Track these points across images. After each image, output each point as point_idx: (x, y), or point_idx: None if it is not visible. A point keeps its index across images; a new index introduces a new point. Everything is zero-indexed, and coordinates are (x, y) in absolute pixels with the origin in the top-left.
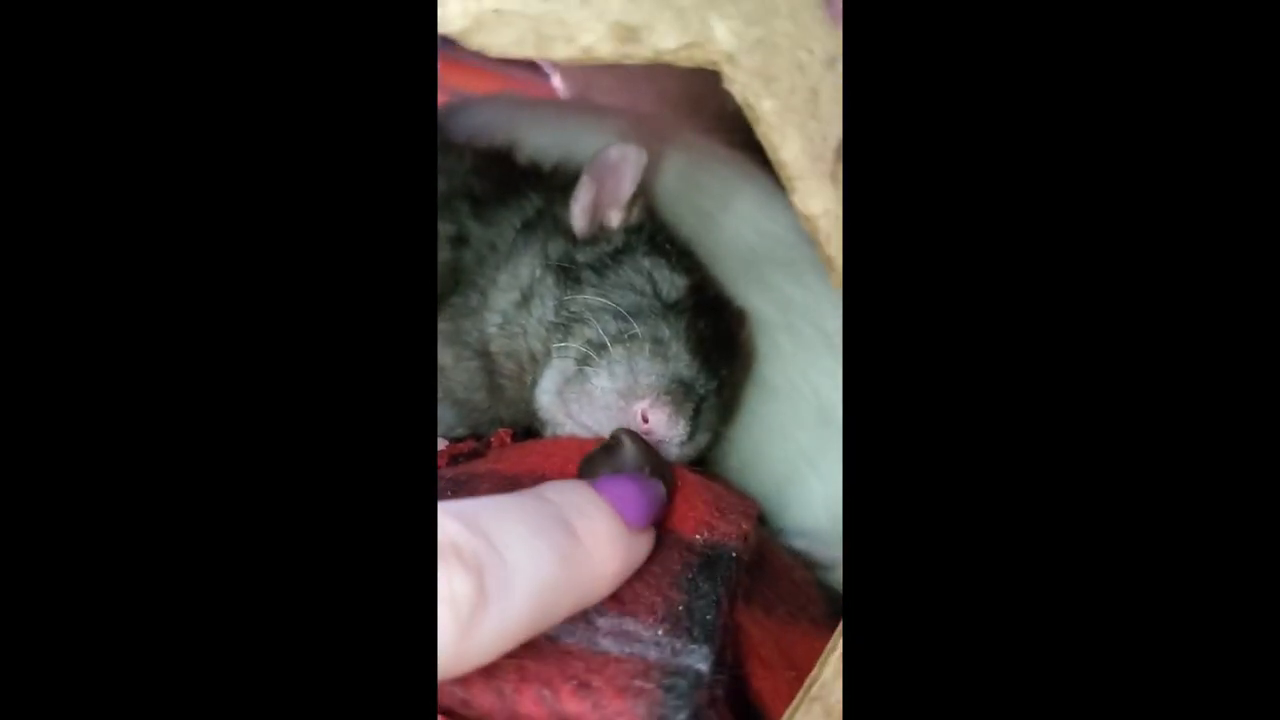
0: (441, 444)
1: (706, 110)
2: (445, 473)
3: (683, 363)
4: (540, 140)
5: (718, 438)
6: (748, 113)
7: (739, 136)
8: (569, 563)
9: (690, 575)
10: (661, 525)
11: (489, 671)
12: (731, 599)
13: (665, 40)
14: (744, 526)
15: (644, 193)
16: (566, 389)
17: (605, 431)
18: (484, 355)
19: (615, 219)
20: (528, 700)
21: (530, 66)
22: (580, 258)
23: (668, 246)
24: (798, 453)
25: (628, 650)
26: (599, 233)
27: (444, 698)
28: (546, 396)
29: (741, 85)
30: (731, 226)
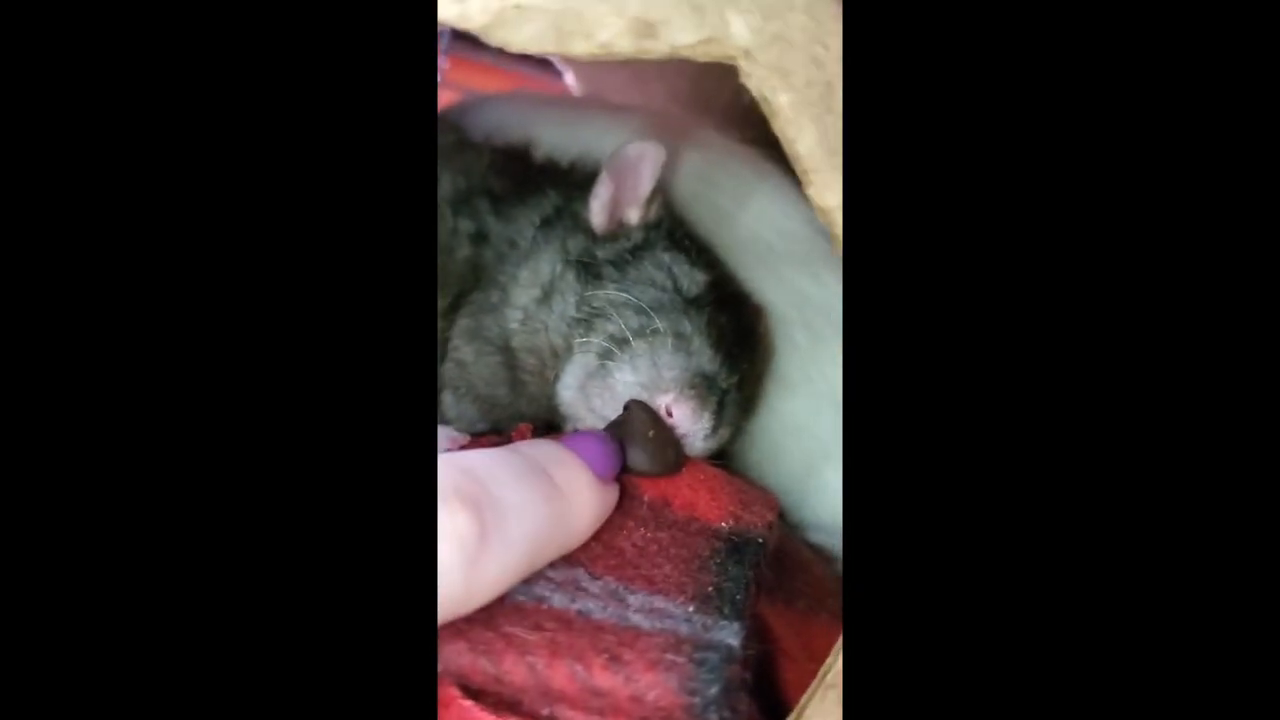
0: (463, 439)
1: (717, 107)
2: None
3: (705, 357)
4: (556, 138)
5: (738, 432)
6: (764, 107)
7: (751, 133)
8: (553, 505)
9: (719, 559)
10: (686, 513)
11: (519, 646)
12: (758, 585)
13: (683, 35)
14: (768, 516)
15: (662, 189)
16: (589, 383)
17: None
18: (505, 351)
19: (634, 216)
20: (559, 674)
21: (543, 64)
22: (600, 254)
23: (686, 242)
24: (815, 448)
25: (659, 625)
26: (618, 229)
27: (475, 675)
28: (569, 391)
29: (758, 80)
30: (747, 223)
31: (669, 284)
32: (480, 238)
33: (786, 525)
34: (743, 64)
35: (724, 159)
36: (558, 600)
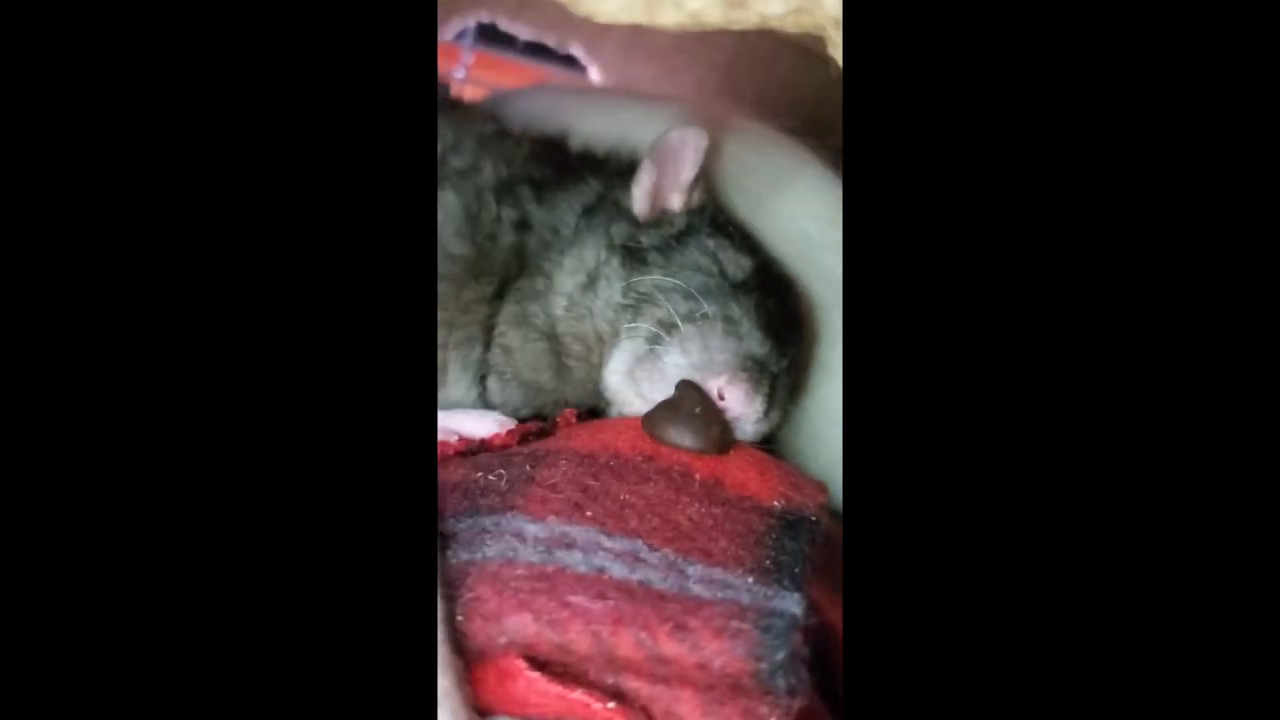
0: (510, 423)
1: (749, 97)
2: (518, 450)
3: (755, 341)
4: (592, 128)
5: (787, 417)
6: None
7: (786, 122)
8: None
9: (774, 535)
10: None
11: (584, 615)
12: (812, 562)
13: (773, 6)
14: (819, 498)
15: (705, 175)
16: (638, 368)
17: None
18: (551, 337)
19: (677, 202)
20: (625, 642)
21: (568, 60)
22: (645, 240)
23: (731, 228)
24: None
25: (720, 595)
26: (661, 216)
27: (540, 645)
28: (616, 377)
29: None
30: (784, 210)
31: (715, 269)
32: (523, 225)
33: (830, 513)
34: (831, 34)
35: (760, 146)
36: (618, 570)
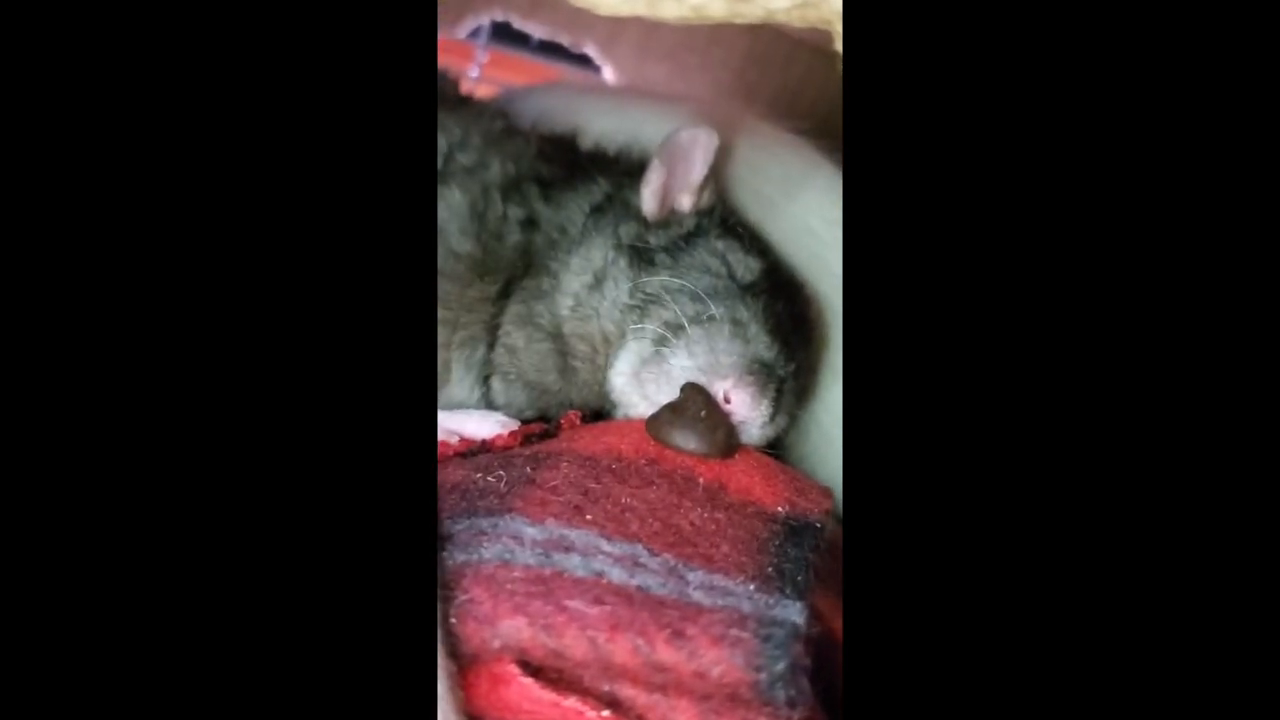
0: (513, 425)
1: (763, 98)
2: (519, 452)
3: (762, 344)
4: (602, 127)
5: (794, 421)
6: None
7: (799, 123)
8: None
9: (777, 542)
10: (741, 496)
11: (580, 620)
12: (816, 570)
13: (777, 0)
14: (824, 504)
15: (715, 176)
16: (643, 370)
17: None
18: (556, 337)
19: (687, 202)
20: (621, 649)
21: (581, 59)
22: (653, 240)
23: (740, 229)
24: None
25: (721, 602)
26: (670, 216)
27: (535, 650)
28: (621, 378)
29: None
30: (795, 213)
31: (723, 270)
32: (530, 224)
33: (837, 519)
34: (837, 28)
35: (772, 148)
36: (616, 575)
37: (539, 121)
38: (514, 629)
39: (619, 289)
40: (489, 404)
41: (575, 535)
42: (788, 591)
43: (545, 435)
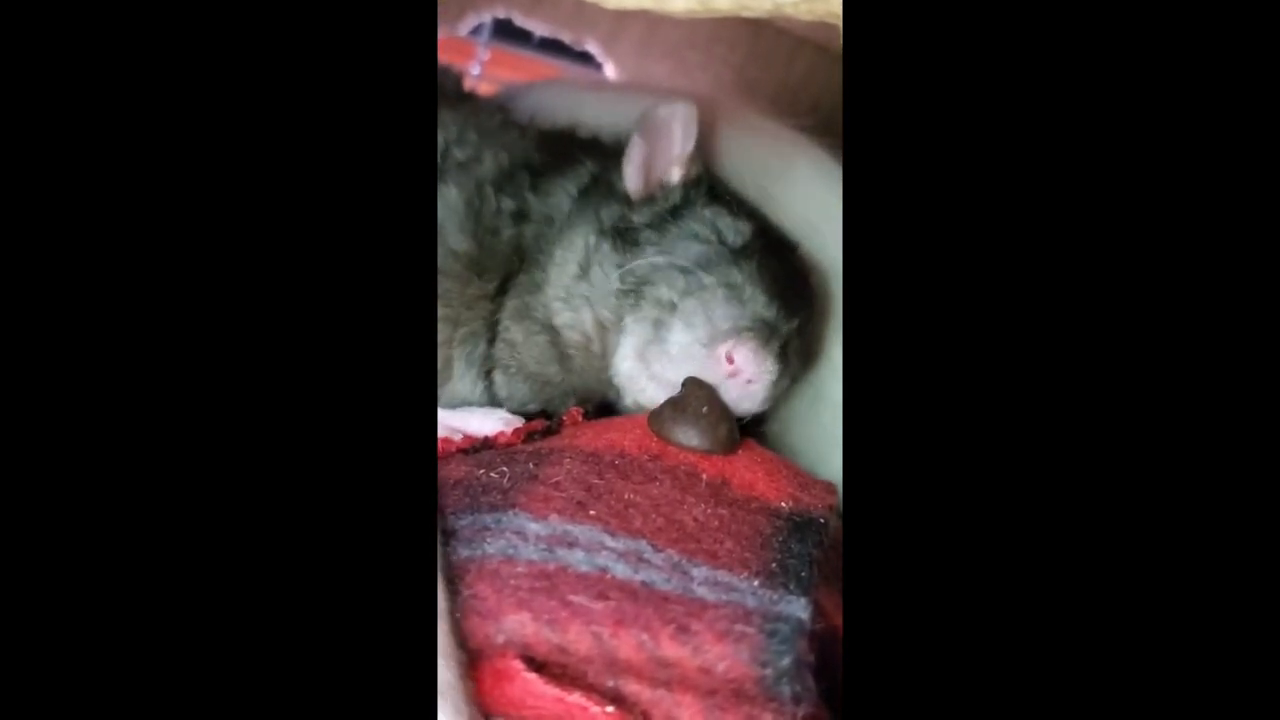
0: (516, 422)
1: (764, 94)
2: (522, 449)
3: (760, 304)
4: (602, 120)
5: (803, 385)
6: None
7: (800, 119)
8: None
9: (781, 538)
10: (745, 492)
11: (584, 615)
12: (820, 565)
13: None
14: (828, 499)
15: (700, 149)
16: (647, 350)
17: None
18: (550, 330)
19: (673, 175)
20: (626, 644)
21: (583, 56)
22: (638, 219)
23: (727, 195)
24: None
25: (725, 598)
26: (656, 192)
27: (539, 646)
28: (627, 362)
29: None
30: (794, 206)
31: (713, 237)
32: (521, 216)
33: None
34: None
35: (770, 142)
36: (620, 571)
37: (539, 115)
38: (518, 624)
39: (607, 276)
40: (492, 399)
41: (579, 531)
42: (792, 587)
43: (548, 432)
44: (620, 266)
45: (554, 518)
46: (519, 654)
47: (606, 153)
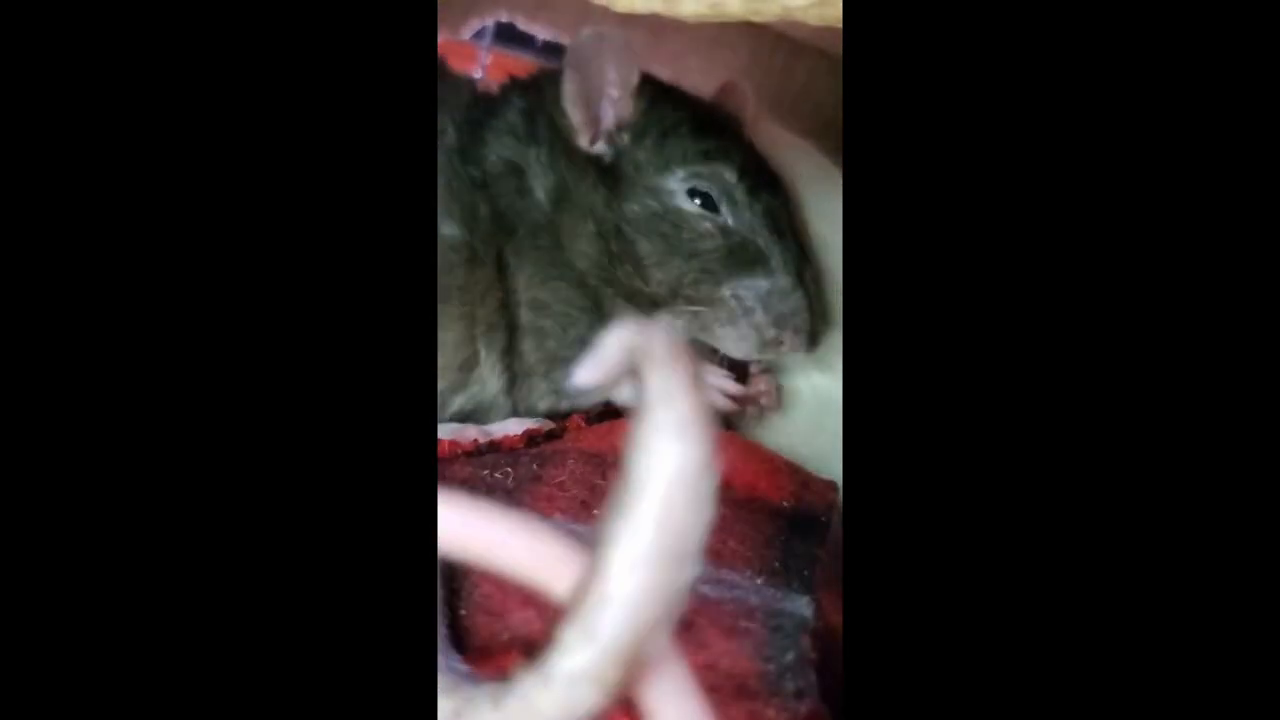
0: (521, 426)
1: (763, 101)
2: (525, 451)
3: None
4: None
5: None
6: None
7: (802, 124)
8: None
9: (783, 537)
10: (747, 493)
11: None
12: (822, 564)
13: None
14: (829, 497)
15: (644, 86)
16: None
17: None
18: (582, 284)
19: (610, 117)
20: None
21: None
22: (628, 228)
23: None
24: None
25: (728, 595)
26: (598, 133)
27: (540, 639)
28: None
29: None
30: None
31: (720, 240)
32: (484, 183)
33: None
34: None
35: (772, 148)
36: None
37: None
38: (524, 621)
39: (626, 266)
40: (513, 378)
41: (583, 530)
42: (794, 585)
43: (551, 435)
44: (612, 205)
45: (559, 517)
46: (525, 652)
47: (532, 86)
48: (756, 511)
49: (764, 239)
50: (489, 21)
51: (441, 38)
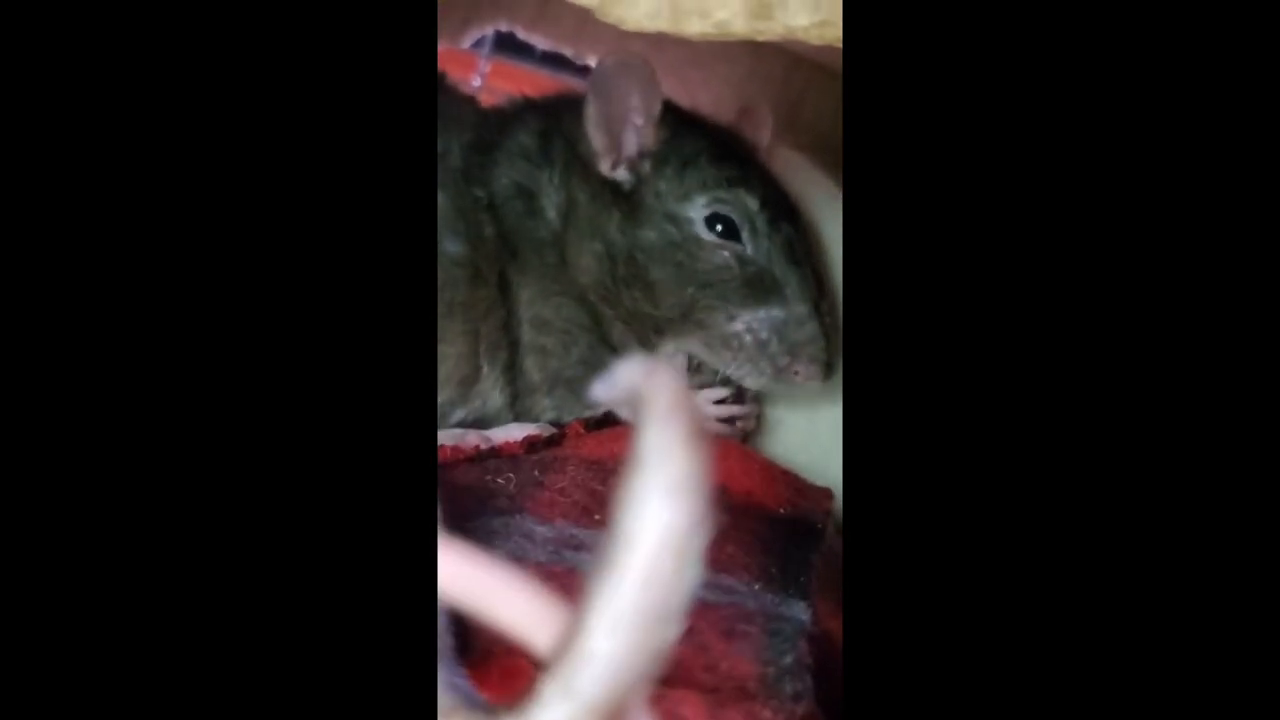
0: (522, 431)
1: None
2: (526, 458)
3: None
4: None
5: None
6: None
7: (799, 139)
8: None
9: (780, 544)
10: (743, 500)
11: None
12: (818, 570)
13: (798, 18)
14: (825, 504)
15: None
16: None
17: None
18: (583, 300)
19: (632, 145)
20: None
21: (584, 71)
22: (640, 239)
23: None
24: None
25: (726, 599)
26: (619, 158)
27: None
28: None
29: None
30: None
31: (736, 269)
32: (491, 204)
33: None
34: None
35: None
36: None
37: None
38: None
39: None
40: (519, 395)
41: (584, 535)
42: (791, 591)
43: (551, 442)
44: (626, 230)
45: (560, 521)
46: (526, 654)
47: (548, 109)
48: (754, 519)
49: (780, 268)
50: (489, 31)
51: (441, 46)
